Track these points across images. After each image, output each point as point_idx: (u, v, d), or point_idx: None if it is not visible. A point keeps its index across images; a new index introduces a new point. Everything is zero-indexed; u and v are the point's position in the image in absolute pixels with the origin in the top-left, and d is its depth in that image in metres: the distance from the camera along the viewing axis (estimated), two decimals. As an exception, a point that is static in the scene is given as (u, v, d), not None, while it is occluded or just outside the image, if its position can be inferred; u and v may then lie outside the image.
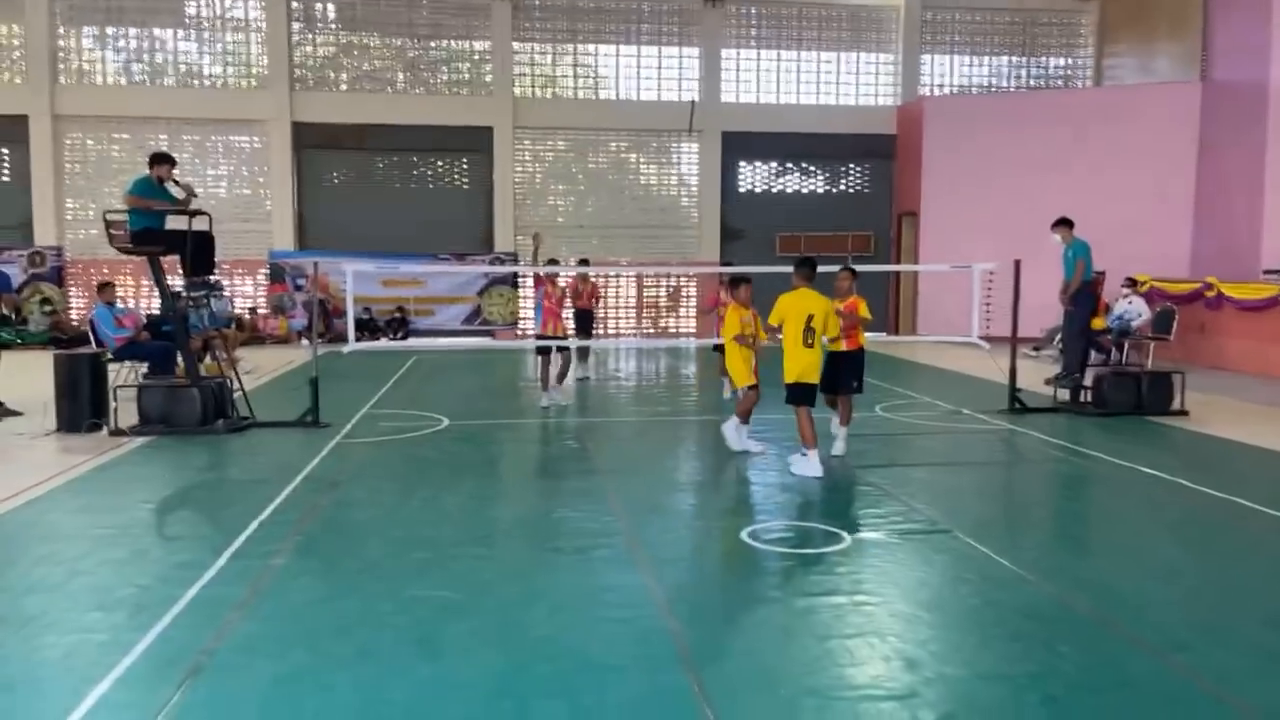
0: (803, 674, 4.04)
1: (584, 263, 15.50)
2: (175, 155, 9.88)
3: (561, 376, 11.64)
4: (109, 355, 10.57)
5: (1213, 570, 5.45)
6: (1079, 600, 4.93)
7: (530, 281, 13.75)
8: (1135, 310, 14.45)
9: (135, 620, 4.55)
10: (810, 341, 7.52)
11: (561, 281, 12.03)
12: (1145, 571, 5.39)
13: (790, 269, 7.98)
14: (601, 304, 14.29)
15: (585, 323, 13.87)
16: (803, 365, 7.56)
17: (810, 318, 7.51)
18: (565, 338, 11.71)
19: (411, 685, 3.87)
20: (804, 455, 7.61)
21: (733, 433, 8.43)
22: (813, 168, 22.13)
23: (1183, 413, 10.58)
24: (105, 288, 11.56)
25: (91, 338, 11.25)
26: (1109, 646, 4.33)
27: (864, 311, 8.38)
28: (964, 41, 22.50)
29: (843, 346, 8.29)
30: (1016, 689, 3.89)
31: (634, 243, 21.58)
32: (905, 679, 3.98)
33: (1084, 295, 11.24)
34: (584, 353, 13.96)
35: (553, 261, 13.01)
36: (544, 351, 11.30)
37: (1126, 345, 14.03)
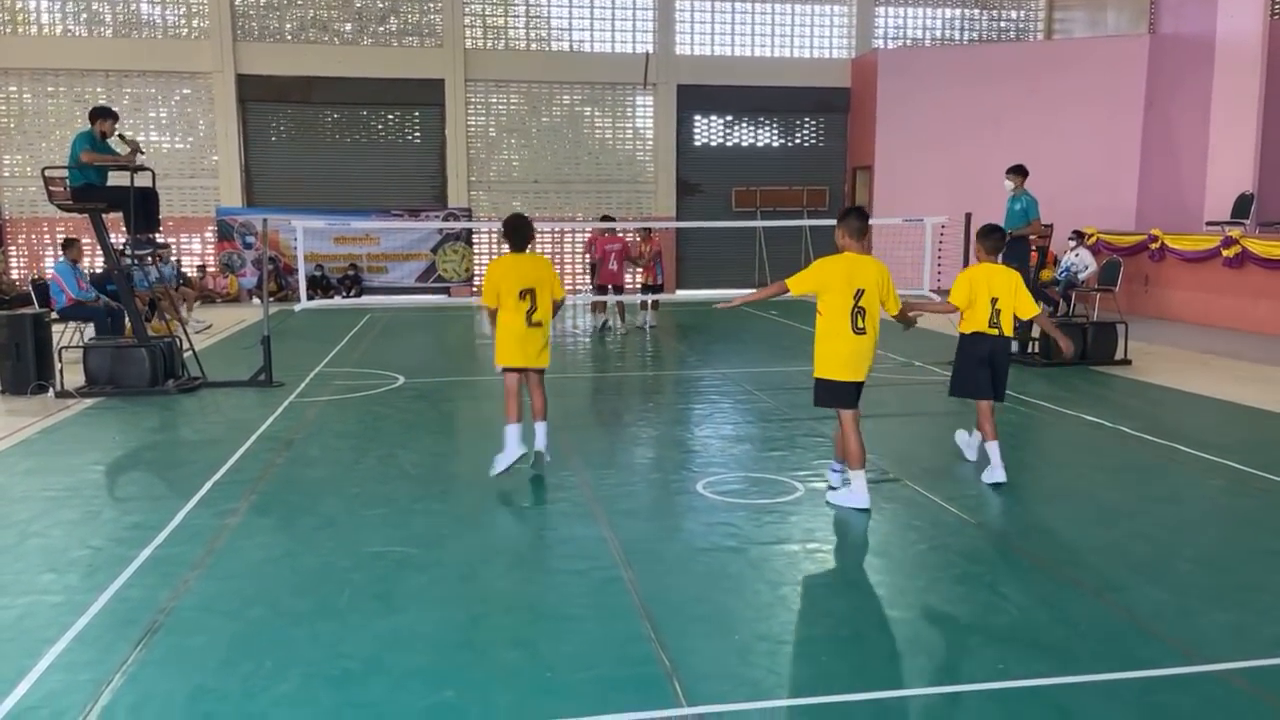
0: (756, 619, 4.14)
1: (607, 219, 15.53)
2: (115, 109, 9.60)
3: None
4: (53, 315, 10.34)
5: (1149, 513, 5.65)
6: (1022, 544, 5.10)
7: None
8: (1082, 262, 14.75)
9: (90, 581, 4.53)
10: (861, 325, 5.52)
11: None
12: (1085, 515, 5.58)
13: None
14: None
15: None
16: (843, 356, 5.58)
17: (860, 293, 5.50)
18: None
19: (371, 638, 3.91)
20: (845, 479, 5.82)
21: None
22: (767, 121, 22.06)
23: (1126, 362, 10.87)
24: (71, 245, 11.18)
25: (34, 298, 11.00)
26: (1049, 588, 4.49)
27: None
28: (917, -7, 22.44)
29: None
30: (960, 630, 4.04)
31: (590, 198, 21.41)
32: (854, 623, 4.10)
33: (1019, 248, 11.35)
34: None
35: (606, 218, 15.20)
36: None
37: (1073, 296, 14.34)
